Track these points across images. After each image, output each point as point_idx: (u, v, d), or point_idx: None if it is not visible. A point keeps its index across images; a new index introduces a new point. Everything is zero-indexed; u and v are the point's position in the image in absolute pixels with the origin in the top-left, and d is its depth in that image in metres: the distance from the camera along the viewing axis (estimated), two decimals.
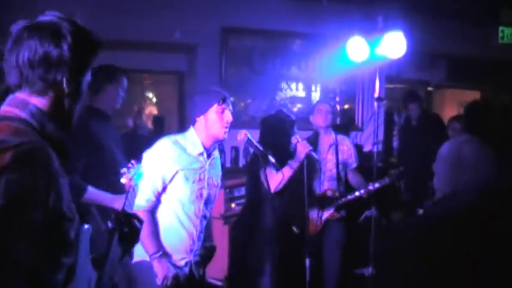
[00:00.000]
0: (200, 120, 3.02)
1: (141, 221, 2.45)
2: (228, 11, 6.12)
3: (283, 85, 6.65)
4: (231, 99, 3.16)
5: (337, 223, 4.53)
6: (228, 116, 3.02)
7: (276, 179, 3.88)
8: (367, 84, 6.87)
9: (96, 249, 2.97)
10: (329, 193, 4.48)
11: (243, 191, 4.91)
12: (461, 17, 7.01)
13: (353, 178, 4.66)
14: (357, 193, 4.47)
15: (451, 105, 8.86)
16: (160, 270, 2.91)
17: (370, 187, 4.43)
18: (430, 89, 8.19)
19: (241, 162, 6.09)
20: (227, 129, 3.03)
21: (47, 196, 1.45)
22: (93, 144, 3.41)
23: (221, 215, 4.77)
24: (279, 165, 3.72)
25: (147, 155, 2.97)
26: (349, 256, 4.59)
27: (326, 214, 4.48)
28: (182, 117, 6.29)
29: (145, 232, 2.89)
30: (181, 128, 3.18)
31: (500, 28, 7.58)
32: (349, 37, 5.22)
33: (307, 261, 3.63)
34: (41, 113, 1.57)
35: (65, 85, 1.59)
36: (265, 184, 3.67)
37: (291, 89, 6.70)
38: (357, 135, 6.90)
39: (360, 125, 7.05)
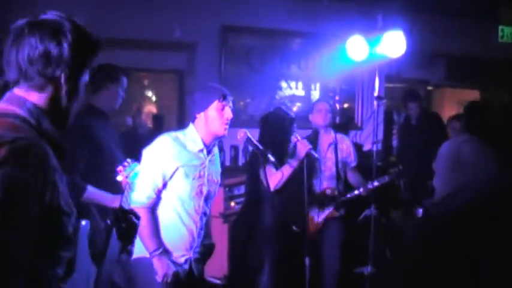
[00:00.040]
0: (200, 116, 3.02)
1: (138, 217, 2.47)
2: (227, 9, 6.11)
3: (283, 84, 6.64)
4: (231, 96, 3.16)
5: (336, 222, 4.53)
6: (229, 113, 3.02)
7: (275, 177, 3.88)
8: (367, 83, 6.86)
9: (96, 247, 2.98)
10: (328, 192, 4.48)
11: (242, 189, 4.91)
12: (461, 16, 7.01)
13: (352, 177, 4.66)
14: (356, 191, 4.48)
15: (450, 105, 8.85)
16: (161, 268, 2.91)
17: (370, 185, 4.43)
18: (429, 88, 8.19)
19: (241, 161, 6.09)
20: (227, 126, 3.04)
21: (43, 191, 1.46)
22: (93, 144, 3.41)
23: (220, 214, 4.77)
24: (279, 164, 3.73)
25: (147, 152, 2.97)
26: (349, 255, 4.59)
27: (325, 213, 4.48)
28: (182, 116, 6.28)
29: (145, 229, 2.90)
30: (181, 126, 3.17)
31: (500, 27, 7.58)
32: (348, 36, 5.22)
33: (307, 260, 3.63)
34: (38, 110, 1.58)
35: (63, 82, 1.60)
36: (264, 183, 3.67)
37: (291, 88, 6.69)
38: (356, 134, 6.90)
39: (359, 124, 7.05)
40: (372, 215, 4.61)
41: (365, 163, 5.29)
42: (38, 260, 1.48)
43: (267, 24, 6.30)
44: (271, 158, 3.46)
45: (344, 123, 6.86)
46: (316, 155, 3.92)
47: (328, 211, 4.49)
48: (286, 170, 3.91)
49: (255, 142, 3.47)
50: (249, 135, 3.40)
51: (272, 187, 3.84)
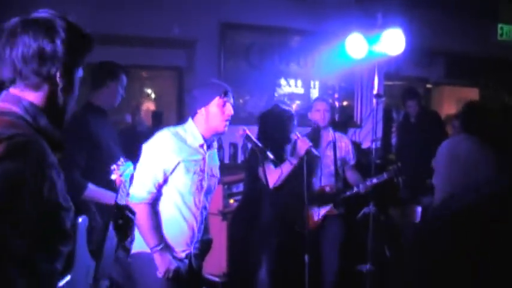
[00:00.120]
0: (201, 112, 3.01)
1: (133, 213, 2.48)
2: (227, 6, 6.11)
3: (282, 81, 6.65)
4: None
5: (335, 219, 4.53)
6: (229, 110, 3.02)
7: (274, 174, 3.88)
8: (366, 81, 6.87)
9: (95, 244, 2.99)
10: (327, 189, 4.48)
11: (241, 187, 4.91)
12: (461, 14, 7.01)
13: (351, 175, 4.66)
14: (355, 189, 4.48)
15: (449, 103, 8.86)
16: (162, 263, 2.90)
17: (368, 183, 4.44)
18: (428, 86, 8.20)
19: (240, 158, 6.09)
20: (228, 123, 3.04)
21: (41, 186, 1.47)
22: (91, 141, 3.41)
23: (219, 211, 4.78)
24: (278, 161, 3.73)
25: (147, 146, 2.96)
26: (348, 252, 4.60)
27: (324, 210, 4.49)
28: (181, 113, 6.28)
29: (146, 225, 2.90)
30: (180, 123, 3.16)
31: (499, 25, 7.59)
32: (348, 34, 5.22)
33: (306, 257, 3.64)
34: (35, 108, 1.59)
35: (58, 79, 1.61)
36: (263, 180, 3.67)
37: (290, 86, 6.70)
38: (355, 132, 6.91)
39: (358, 122, 7.06)
40: (370, 212, 4.62)
41: (364, 161, 5.30)
42: (36, 254, 1.49)
43: (266, 21, 6.31)
44: (270, 156, 3.46)
45: (343, 121, 6.87)
46: (316, 153, 3.93)
47: (327, 208, 4.49)
48: (286, 168, 3.91)
49: (254, 139, 3.47)
50: (248, 132, 3.40)
51: (271, 184, 3.84)
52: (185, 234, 3.02)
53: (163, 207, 2.99)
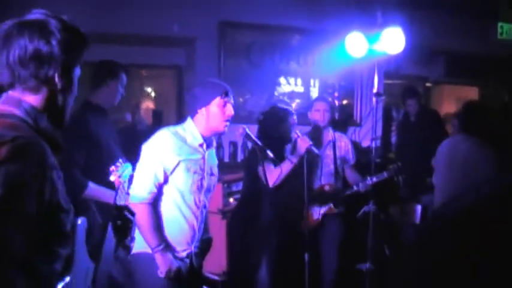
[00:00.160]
0: (201, 112, 3.01)
1: (133, 213, 2.48)
2: (226, 5, 6.10)
3: (282, 80, 6.64)
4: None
5: (334, 218, 4.53)
6: (230, 110, 3.02)
7: (274, 174, 3.88)
8: (366, 79, 6.86)
9: (94, 244, 2.99)
10: (327, 188, 4.49)
11: (241, 185, 4.91)
12: (460, 13, 7.00)
13: (350, 175, 4.66)
14: (354, 187, 4.49)
15: (449, 101, 8.86)
16: (163, 263, 2.90)
17: (368, 182, 4.44)
18: (428, 84, 8.19)
19: (240, 157, 6.09)
20: (228, 123, 3.03)
21: (42, 188, 1.48)
22: (91, 140, 3.41)
23: (219, 210, 4.78)
24: (278, 160, 3.73)
25: (147, 146, 2.96)
26: (348, 251, 4.60)
27: (324, 209, 4.49)
28: (181, 112, 6.28)
29: (147, 225, 2.90)
30: (180, 122, 3.16)
31: (499, 24, 7.58)
32: (348, 32, 5.22)
33: (306, 256, 3.64)
34: (35, 110, 1.60)
35: (57, 80, 1.61)
36: (263, 179, 3.67)
37: (290, 84, 6.69)
38: (355, 131, 6.90)
39: (358, 121, 7.05)
40: (370, 211, 4.62)
41: (364, 159, 5.30)
42: (36, 256, 1.50)
43: (266, 20, 6.30)
44: (270, 154, 3.46)
45: (343, 119, 6.86)
46: (316, 151, 3.93)
47: (326, 207, 4.49)
48: (286, 166, 3.91)
49: (254, 138, 3.47)
50: (248, 131, 3.40)
51: (271, 183, 3.84)
52: (186, 233, 3.02)
53: (164, 206, 2.99)
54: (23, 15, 1.60)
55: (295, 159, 3.88)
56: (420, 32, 6.31)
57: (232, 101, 3.05)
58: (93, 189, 3.34)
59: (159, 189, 2.95)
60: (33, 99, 1.60)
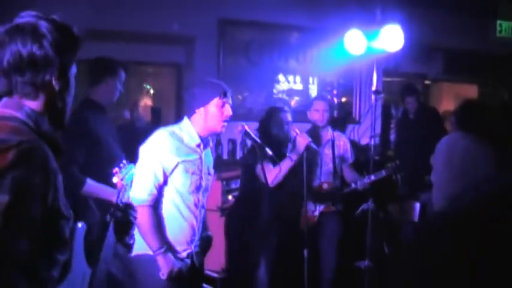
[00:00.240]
0: (200, 111, 3.00)
1: (135, 210, 2.48)
2: (225, 3, 6.10)
3: (281, 78, 6.64)
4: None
5: (333, 216, 4.53)
6: (228, 111, 3.02)
7: (273, 172, 3.88)
8: (365, 77, 6.86)
9: (93, 241, 2.98)
10: (325, 186, 4.48)
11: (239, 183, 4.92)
12: (459, 11, 7.00)
13: (348, 174, 4.66)
14: (352, 185, 4.49)
15: (448, 99, 8.86)
16: (165, 265, 2.90)
17: (366, 180, 4.44)
18: (427, 82, 8.19)
19: (239, 154, 6.09)
20: (225, 124, 3.03)
21: (46, 192, 1.49)
22: (90, 138, 3.41)
23: (218, 208, 4.77)
24: (278, 158, 3.72)
25: (145, 148, 2.96)
26: (346, 249, 4.60)
27: (322, 207, 4.49)
28: (180, 110, 6.27)
29: (148, 227, 2.89)
30: (179, 120, 3.16)
31: (498, 22, 7.59)
32: (347, 30, 5.22)
33: (305, 252, 3.64)
34: (36, 114, 1.59)
35: (54, 84, 1.60)
36: (261, 178, 3.67)
37: (289, 82, 6.69)
38: (354, 128, 6.91)
39: (357, 118, 7.06)
40: (369, 209, 4.62)
41: (362, 157, 5.30)
42: (38, 261, 1.50)
43: (265, 17, 6.29)
44: (269, 152, 3.45)
45: (342, 117, 6.86)
46: (315, 147, 3.93)
47: (325, 205, 4.49)
48: (286, 164, 3.91)
49: (253, 135, 3.47)
50: (247, 128, 3.40)
51: (270, 182, 3.83)
52: (185, 233, 3.02)
53: (163, 207, 2.99)
54: (13, 20, 1.59)
55: (295, 157, 3.88)
56: (419, 29, 6.31)
57: (230, 102, 3.05)
58: (92, 186, 3.34)
59: (159, 190, 2.95)
60: (33, 104, 1.60)
